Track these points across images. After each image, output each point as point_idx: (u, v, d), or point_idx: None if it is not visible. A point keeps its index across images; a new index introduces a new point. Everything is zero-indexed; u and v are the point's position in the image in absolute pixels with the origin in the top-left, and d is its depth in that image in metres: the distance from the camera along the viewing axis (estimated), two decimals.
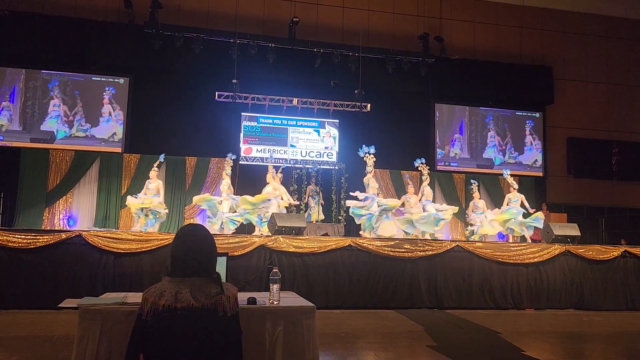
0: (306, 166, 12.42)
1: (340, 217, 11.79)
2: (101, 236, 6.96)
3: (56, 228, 10.85)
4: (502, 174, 13.71)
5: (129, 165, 11.88)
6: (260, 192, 10.62)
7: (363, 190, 9.74)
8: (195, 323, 2.02)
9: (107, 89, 12.20)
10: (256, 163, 12.65)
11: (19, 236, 6.68)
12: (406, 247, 7.80)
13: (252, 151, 12.78)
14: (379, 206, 9.35)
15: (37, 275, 6.64)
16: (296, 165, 12.48)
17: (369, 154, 9.76)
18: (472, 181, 11.06)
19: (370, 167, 9.69)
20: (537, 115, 14.56)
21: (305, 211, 11.61)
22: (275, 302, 3.02)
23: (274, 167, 10.39)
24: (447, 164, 13.93)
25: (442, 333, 5.99)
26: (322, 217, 11.62)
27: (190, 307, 2.03)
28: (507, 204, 10.00)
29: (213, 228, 9.29)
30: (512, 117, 14.48)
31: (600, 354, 5.64)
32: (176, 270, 2.14)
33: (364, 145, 9.90)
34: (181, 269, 2.13)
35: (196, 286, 2.08)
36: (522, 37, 14.42)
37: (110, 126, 12.13)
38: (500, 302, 7.97)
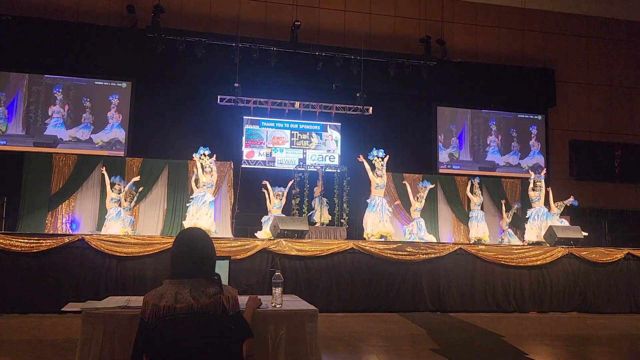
0: (309, 169, 12.42)
1: (342, 221, 11.77)
2: (104, 240, 6.98)
3: (59, 232, 10.86)
4: (503, 177, 13.86)
5: (132, 169, 11.87)
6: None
7: (367, 194, 10.01)
8: (196, 323, 2.04)
9: (111, 97, 12.29)
10: (258, 167, 12.67)
11: (22, 240, 6.69)
12: (408, 250, 7.79)
13: (254, 155, 12.80)
14: None
15: (40, 279, 6.65)
16: (299, 169, 12.49)
17: (378, 157, 10.15)
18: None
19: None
20: (540, 118, 14.55)
21: (309, 213, 11.61)
22: (277, 306, 3.02)
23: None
24: (449, 166, 13.92)
25: (445, 336, 5.98)
26: (326, 219, 11.71)
27: (190, 307, 2.06)
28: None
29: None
30: (515, 120, 14.47)
31: (604, 357, 5.62)
32: (176, 272, 2.18)
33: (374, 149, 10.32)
34: (181, 271, 2.17)
35: (195, 287, 2.12)
36: (523, 39, 14.42)
37: (113, 132, 12.23)
38: (503, 305, 7.96)
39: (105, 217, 9.93)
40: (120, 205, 9.95)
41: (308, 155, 13.03)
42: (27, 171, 11.45)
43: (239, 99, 12.13)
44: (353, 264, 7.59)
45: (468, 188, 11.84)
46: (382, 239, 9.45)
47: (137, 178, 10.61)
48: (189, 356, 2.00)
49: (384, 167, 10.19)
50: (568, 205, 10.64)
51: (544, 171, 11.39)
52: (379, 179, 10.07)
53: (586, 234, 9.10)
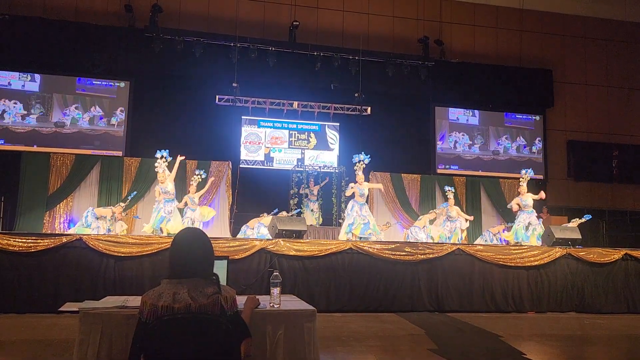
0: (307, 169, 12.44)
1: (340, 221, 11.77)
2: (102, 240, 6.96)
3: (57, 232, 10.84)
4: (501, 177, 13.86)
5: (130, 169, 11.87)
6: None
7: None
8: (194, 323, 2.04)
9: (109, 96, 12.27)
10: (256, 167, 12.66)
11: (20, 240, 6.67)
12: (407, 250, 7.79)
13: (252, 155, 12.78)
14: None
15: (37, 279, 6.63)
16: (297, 169, 12.50)
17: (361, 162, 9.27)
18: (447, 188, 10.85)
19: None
20: (538, 118, 14.57)
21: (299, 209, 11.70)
22: (276, 306, 3.02)
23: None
24: (447, 167, 13.94)
25: (443, 336, 5.98)
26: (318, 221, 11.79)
27: (188, 307, 2.05)
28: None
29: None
30: (513, 120, 14.49)
31: (602, 357, 5.62)
32: (174, 272, 2.18)
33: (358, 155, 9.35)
34: (179, 271, 2.17)
35: (194, 287, 2.11)
36: (522, 40, 14.45)
37: (111, 131, 12.22)
38: (501, 305, 7.96)
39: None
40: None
41: (306, 156, 13.03)
42: (25, 171, 11.43)
43: (237, 98, 12.13)
44: (351, 264, 7.58)
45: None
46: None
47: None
48: (187, 356, 1.99)
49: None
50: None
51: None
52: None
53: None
